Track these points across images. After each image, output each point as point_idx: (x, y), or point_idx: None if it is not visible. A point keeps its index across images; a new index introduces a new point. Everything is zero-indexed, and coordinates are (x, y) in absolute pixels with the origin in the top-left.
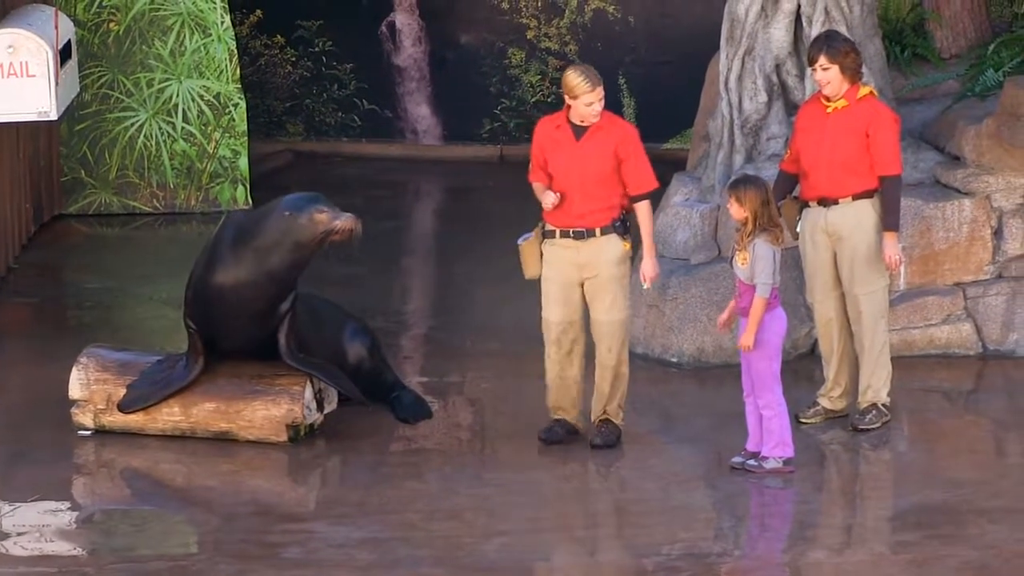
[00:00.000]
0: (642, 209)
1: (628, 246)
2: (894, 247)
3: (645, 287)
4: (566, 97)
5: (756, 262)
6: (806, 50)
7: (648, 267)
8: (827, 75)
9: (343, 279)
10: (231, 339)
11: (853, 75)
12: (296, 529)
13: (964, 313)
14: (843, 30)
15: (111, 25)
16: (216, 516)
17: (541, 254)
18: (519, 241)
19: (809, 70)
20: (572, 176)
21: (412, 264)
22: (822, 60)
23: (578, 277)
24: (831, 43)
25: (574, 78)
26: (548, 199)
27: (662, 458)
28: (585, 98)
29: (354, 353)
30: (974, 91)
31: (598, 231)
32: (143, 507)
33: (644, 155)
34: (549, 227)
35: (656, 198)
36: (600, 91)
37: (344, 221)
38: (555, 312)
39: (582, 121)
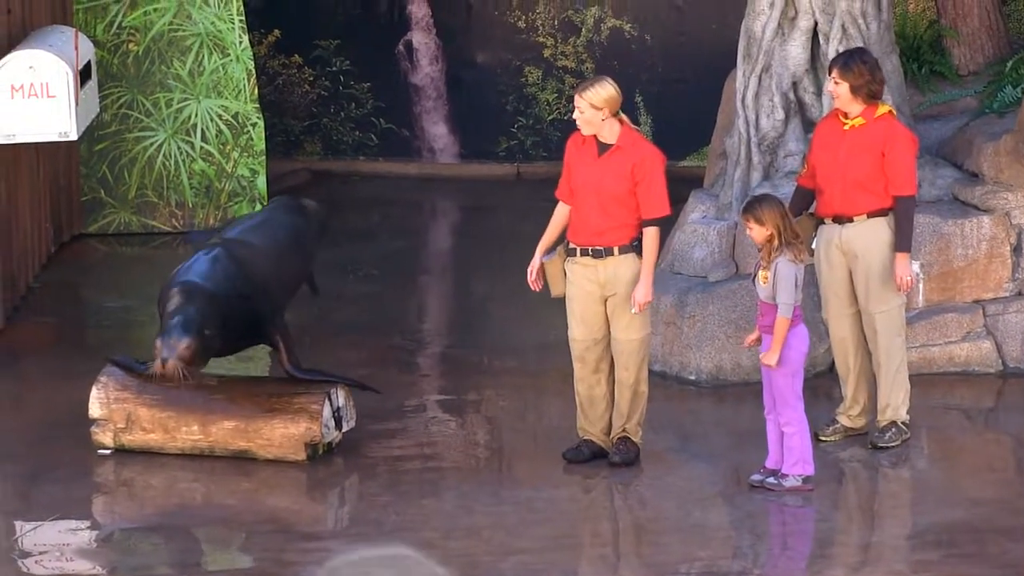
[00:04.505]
0: (649, 234)
1: None
2: (905, 268)
3: (633, 311)
4: None
5: (778, 282)
6: (823, 67)
7: (640, 292)
8: (837, 89)
9: (360, 297)
10: None
11: (866, 96)
12: (314, 547)
13: (984, 330)
14: None
15: (130, 46)
16: (235, 534)
17: (566, 272)
18: (544, 259)
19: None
20: (590, 192)
21: (429, 282)
22: (834, 74)
23: (600, 295)
24: (848, 60)
25: (586, 78)
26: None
27: (680, 476)
28: (576, 98)
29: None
30: (992, 108)
31: (616, 250)
32: (162, 525)
33: (661, 180)
34: (571, 245)
35: (673, 216)
36: (580, 100)
37: (155, 367)
38: (578, 330)
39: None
